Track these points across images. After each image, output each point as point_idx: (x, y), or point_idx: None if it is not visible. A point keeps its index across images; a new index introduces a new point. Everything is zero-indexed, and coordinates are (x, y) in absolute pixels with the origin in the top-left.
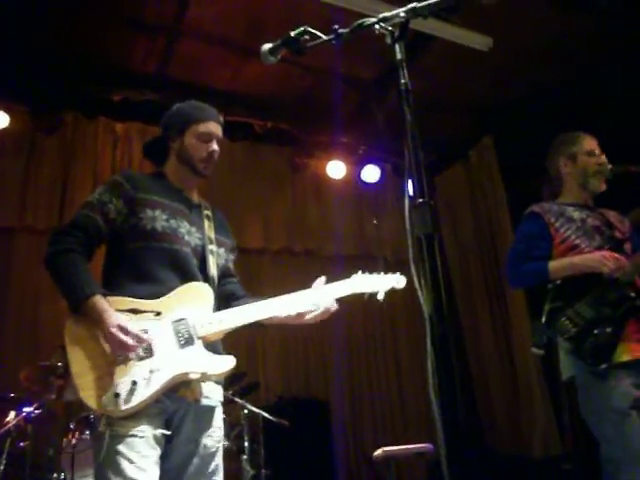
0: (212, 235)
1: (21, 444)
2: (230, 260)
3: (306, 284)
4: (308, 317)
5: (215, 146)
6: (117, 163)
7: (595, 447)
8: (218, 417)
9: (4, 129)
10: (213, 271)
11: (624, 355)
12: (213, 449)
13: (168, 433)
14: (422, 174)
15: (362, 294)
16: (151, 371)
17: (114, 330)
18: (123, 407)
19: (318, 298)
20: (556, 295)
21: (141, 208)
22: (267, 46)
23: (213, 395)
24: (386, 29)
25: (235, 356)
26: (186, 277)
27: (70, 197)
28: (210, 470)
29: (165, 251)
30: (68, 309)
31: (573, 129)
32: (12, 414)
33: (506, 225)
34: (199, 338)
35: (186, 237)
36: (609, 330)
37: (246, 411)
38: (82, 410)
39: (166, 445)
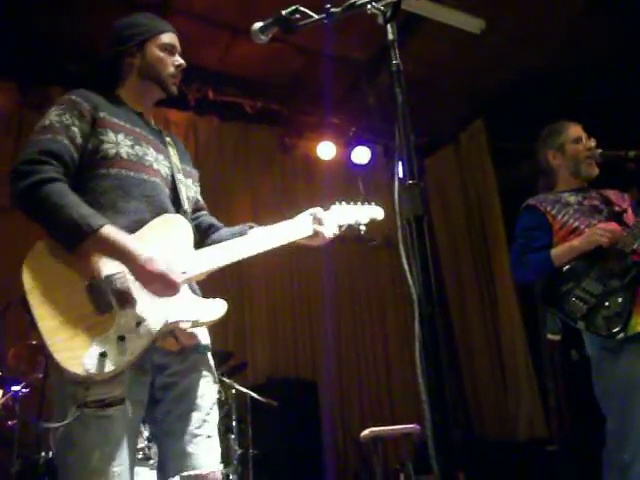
0: (179, 164)
1: (9, 423)
2: (198, 192)
3: (294, 264)
4: (313, 241)
5: (181, 59)
6: None
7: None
8: (210, 361)
9: None
10: (186, 204)
11: (639, 325)
12: (211, 400)
13: (130, 415)
14: (412, 156)
15: (340, 226)
16: (138, 323)
17: (160, 268)
18: (109, 369)
19: (306, 229)
20: (566, 277)
21: (103, 130)
22: (258, 25)
23: (201, 336)
24: (378, 9)
25: (223, 336)
26: (157, 209)
27: None
28: (212, 425)
29: (131, 179)
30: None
31: (564, 112)
32: (0, 393)
33: (496, 208)
34: (185, 280)
35: (154, 165)
36: (620, 300)
37: (234, 391)
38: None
39: (155, 407)
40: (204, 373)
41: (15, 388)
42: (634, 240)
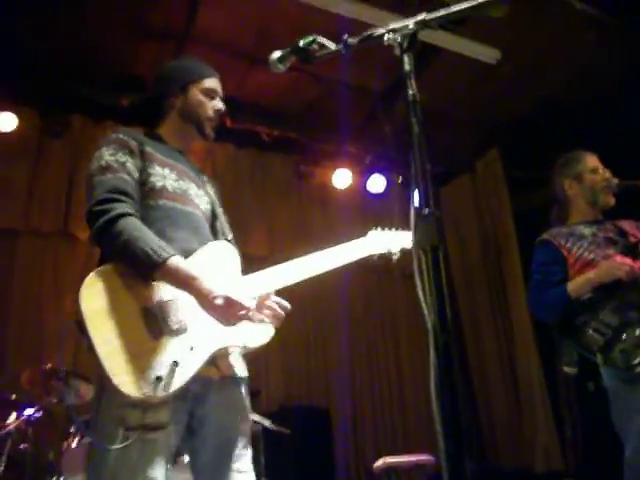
0: (217, 200)
1: (21, 446)
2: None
3: (309, 293)
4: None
5: (221, 104)
6: None
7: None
8: (246, 394)
9: (12, 131)
10: (228, 235)
11: None
12: (246, 434)
13: (172, 440)
14: (428, 185)
15: (373, 255)
16: (191, 348)
17: (220, 301)
18: (162, 393)
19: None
20: (582, 309)
21: (150, 164)
22: (276, 54)
23: (239, 368)
24: (395, 40)
25: None
26: (203, 239)
27: (76, 200)
28: (245, 459)
29: (178, 211)
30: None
31: (579, 142)
32: (13, 416)
33: (511, 238)
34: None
35: (196, 200)
36: (638, 332)
37: None
38: (83, 413)
39: (192, 440)
40: (240, 407)
41: (28, 412)
42: None
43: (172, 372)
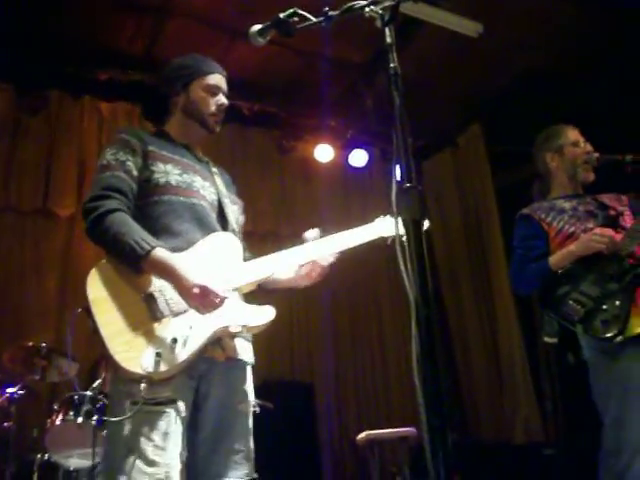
0: (225, 191)
1: (5, 424)
2: (241, 222)
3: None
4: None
5: (224, 99)
6: (103, 143)
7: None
8: (249, 377)
9: None
10: (234, 224)
11: (638, 327)
12: (247, 415)
13: (184, 414)
14: (410, 159)
15: (386, 238)
16: (191, 327)
17: (197, 290)
18: (165, 368)
19: (344, 243)
20: (562, 281)
21: (153, 162)
22: (256, 27)
23: (244, 352)
24: (376, 12)
25: None
26: (207, 229)
27: (54, 177)
28: (246, 438)
29: (182, 204)
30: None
31: (562, 116)
32: None
33: (493, 212)
34: (234, 289)
35: (201, 191)
36: (617, 302)
37: None
38: (66, 391)
39: (195, 414)
40: (241, 389)
41: (11, 390)
42: (631, 243)
43: (172, 349)
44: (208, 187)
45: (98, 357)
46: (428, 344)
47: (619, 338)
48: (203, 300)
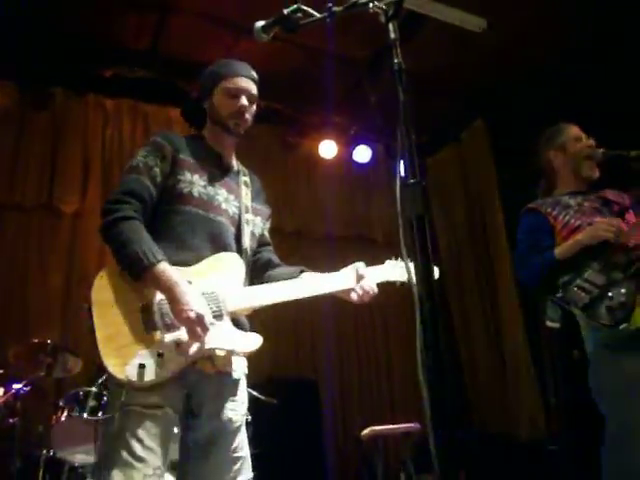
0: (249, 203)
1: (10, 420)
2: (266, 229)
3: (296, 264)
4: (352, 296)
5: (244, 101)
6: (107, 140)
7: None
8: (242, 390)
9: None
10: (247, 242)
11: None
12: (238, 424)
13: (175, 432)
14: (414, 155)
15: (394, 282)
16: (178, 344)
17: (192, 315)
18: (146, 379)
19: (349, 281)
20: (565, 268)
21: (180, 170)
22: (260, 23)
23: (237, 367)
24: (380, 8)
25: None
26: (219, 247)
27: (59, 174)
28: (235, 446)
29: (200, 218)
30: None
31: (566, 112)
32: (1, 391)
33: (497, 208)
34: (228, 313)
35: (223, 205)
36: (623, 291)
37: None
38: (71, 388)
39: (190, 420)
40: (234, 400)
41: (17, 386)
42: (637, 235)
43: (156, 363)
44: (232, 200)
45: None
46: (432, 339)
47: (624, 325)
48: (193, 326)
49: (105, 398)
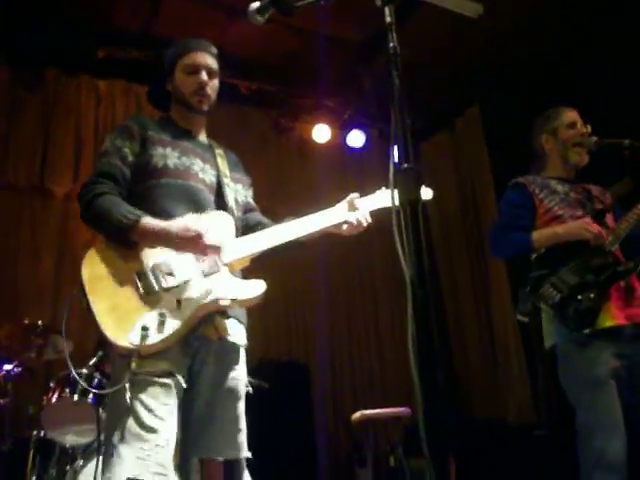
0: (227, 171)
1: (1, 401)
2: (250, 196)
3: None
4: (345, 228)
5: (204, 76)
6: (100, 121)
7: (568, 415)
8: (243, 359)
9: None
10: (231, 203)
11: (607, 321)
12: (239, 393)
13: (184, 386)
14: (408, 140)
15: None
16: (178, 301)
17: (192, 233)
18: (152, 341)
19: (347, 213)
20: (541, 263)
21: (151, 146)
22: (255, 5)
23: (237, 334)
24: None
25: None
26: (203, 211)
27: (51, 155)
28: (237, 417)
29: (179, 187)
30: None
31: (561, 99)
32: None
33: (490, 194)
34: (224, 265)
35: (200, 174)
36: (592, 296)
37: None
38: (63, 368)
39: (188, 392)
40: (232, 368)
41: (7, 367)
42: (615, 242)
43: (159, 323)
44: (208, 169)
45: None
46: (423, 324)
47: (587, 330)
48: (199, 241)
49: (96, 380)
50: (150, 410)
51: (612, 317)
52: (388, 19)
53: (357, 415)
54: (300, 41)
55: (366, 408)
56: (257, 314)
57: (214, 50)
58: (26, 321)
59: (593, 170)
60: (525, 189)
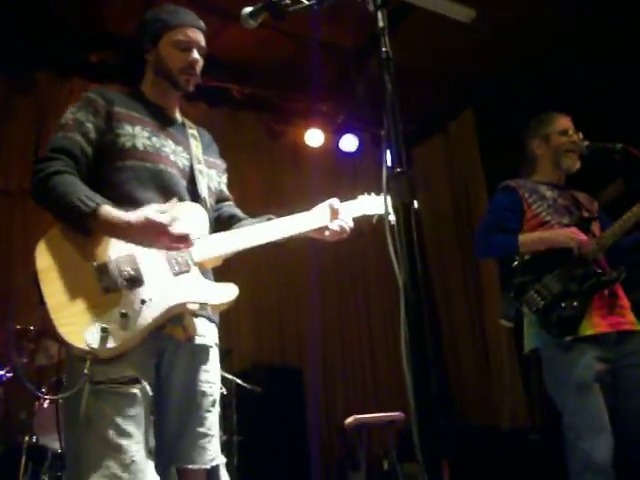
0: (200, 156)
1: None
2: (223, 183)
3: (281, 251)
4: (327, 234)
5: (196, 54)
6: None
7: (561, 419)
8: (215, 360)
9: None
10: (204, 193)
11: (589, 329)
12: (212, 398)
13: (150, 394)
14: (401, 144)
15: (371, 216)
16: (143, 301)
17: (142, 224)
18: (110, 345)
19: (324, 219)
20: (526, 269)
21: (118, 124)
22: (248, 9)
23: (208, 334)
24: None
25: None
26: (171, 198)
27: None
28: (209, 422)
29: (148, 171)
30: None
31: (555, 103)
32: None
33: (483, 198)
34: (195, 264)
35: (171, 157)
36: (575, 304)
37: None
38: (54, 374)
39: (158, 397)
40: (204, 369)
41: None
42: (599, 251)
43: (121, 325)
44: (180, 152)
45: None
46: (416, 328)
47: (569, 338)
48: (161, 236)
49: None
50: (114, 424)
51: (594, 325)
52: (381, 24)
53: (350, 419)
54: (293, 46)
55: (359, 412)
56: (250, 318)
57: (204, 26)
58: (18, 326)
59: (585, 175)
60: (515, 192)
